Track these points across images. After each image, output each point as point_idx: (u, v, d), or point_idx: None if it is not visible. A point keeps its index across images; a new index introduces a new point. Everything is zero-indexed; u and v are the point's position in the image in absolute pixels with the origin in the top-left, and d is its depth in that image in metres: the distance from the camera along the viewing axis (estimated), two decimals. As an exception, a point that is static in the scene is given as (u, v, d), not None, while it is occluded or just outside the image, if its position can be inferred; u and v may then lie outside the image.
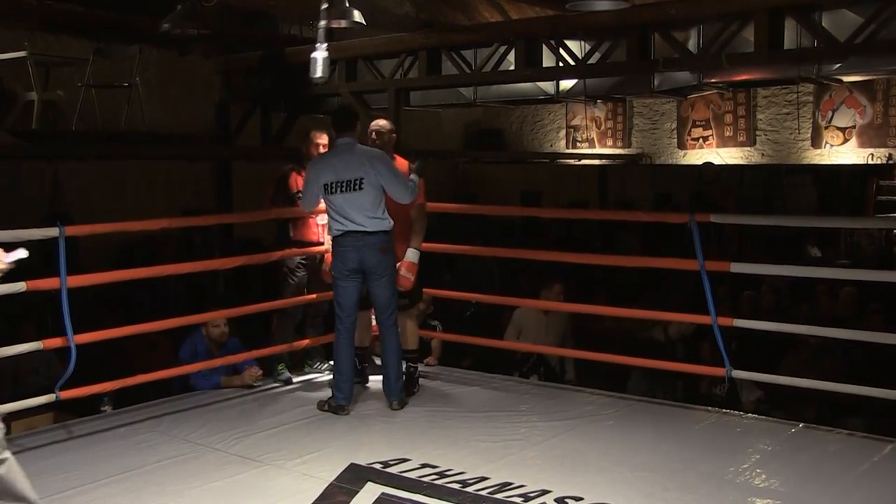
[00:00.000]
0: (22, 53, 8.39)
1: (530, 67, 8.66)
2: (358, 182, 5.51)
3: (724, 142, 14.05)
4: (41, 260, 8.15)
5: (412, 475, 4.50)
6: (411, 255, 5.90)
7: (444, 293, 7.17)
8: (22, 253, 3.38)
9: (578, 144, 15.82)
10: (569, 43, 8.46)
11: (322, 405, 5.70)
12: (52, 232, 5.02)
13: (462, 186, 15.18)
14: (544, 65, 8.71)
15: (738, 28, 7.39)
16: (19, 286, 4.85)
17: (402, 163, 6.01)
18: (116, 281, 6.19)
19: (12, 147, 8.43)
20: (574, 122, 15.83)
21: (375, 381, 6.14)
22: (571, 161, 15.72)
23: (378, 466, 4.62)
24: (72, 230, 5.23)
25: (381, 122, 6.04)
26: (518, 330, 7.53)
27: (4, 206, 9.01)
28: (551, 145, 16.21)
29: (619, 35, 8.02)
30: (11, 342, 5.17)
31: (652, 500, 4.21)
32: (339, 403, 5.62)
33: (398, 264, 5.82)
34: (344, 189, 5.50)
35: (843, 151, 12.97)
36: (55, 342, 5.13)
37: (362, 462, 4.67)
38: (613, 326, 8.08)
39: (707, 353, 6.78)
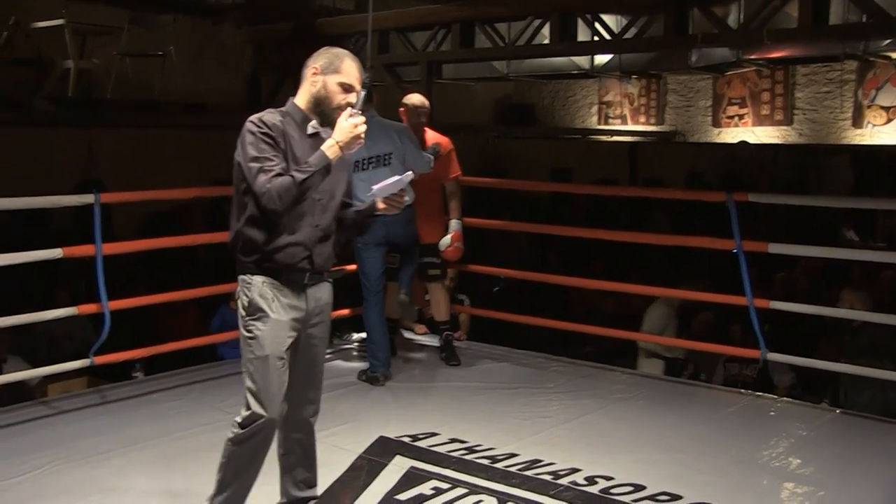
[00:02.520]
0: (59, 22, 8.44)
1: (565, 41, 8.59)
2: (387, 157, 5.53)
3: (760, 120, 13.88)
4: (75, 226, 8.35)
5: (441, 449, 4.51)
6: (457, 225, 6.01)
7: (473, 267, 7.16)
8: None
9: (610, 121, 15.71)
10: (604, 17, 8.41)
11: (360, 375, 5.75)
12: (88, 199, 5.07)
13: (491, 162, 15.12)
14: (579, 39, 8.65)
15: (780, 3, 7.27)
16: (56, 252, 4.92)
17: (438, 137, 6.03)
18: (147, 249, 6.25)
19: (48, 114, 8.51)
20: (607, 98, 15.72)
21: (404, 354, 6.18)
22: (603, 138, 15.62)
23: (407, 440, 4.64)
24: (107, 197, 5.27)
25: (424, 100, 6.04)
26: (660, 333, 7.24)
27: (40, 173, 9.09)
28: (583, 121, 16.11)
29: (657, 9, 7.94)
30: (46, 307, 5.26)
31: (683, 482, 4.19)
32: (374, 374, 5.66)
33: (449, 236, 5.96)
34: (375, 165, 5.48)
35: (885, 131, 12.71)
36: (90, 308, 5.20)
37: (391, 435, 4.69)
38: (642, 306, 8.05)
39: (738, 335, 6.74)
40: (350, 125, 3.21)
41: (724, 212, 5.47)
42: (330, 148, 3.21)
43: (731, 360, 6.62)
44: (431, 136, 6.03)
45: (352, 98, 3.29)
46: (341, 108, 3.27)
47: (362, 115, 3.26)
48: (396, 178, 3.39)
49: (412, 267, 5.90)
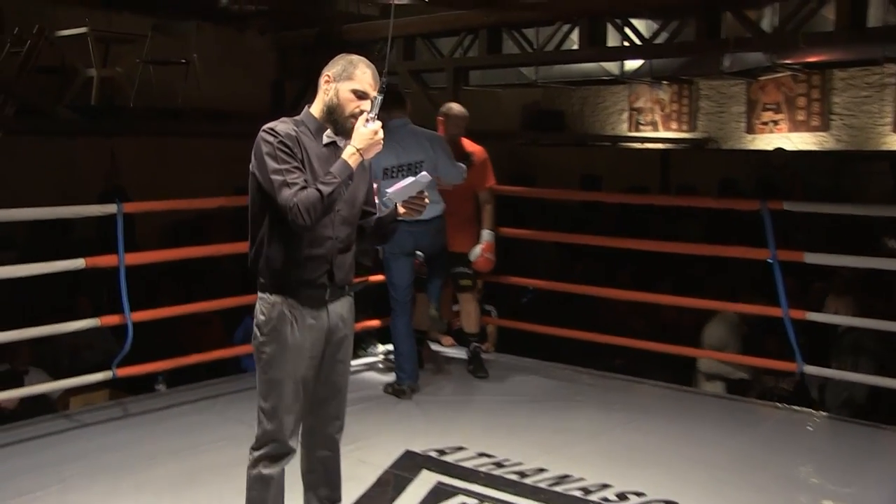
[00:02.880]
0: (82, 30, 8.55)
1: (594, 47, 8.59)
2: (418, 165, 5.51)
3: (795, 126, 13.76)
4: (98, 235, 8.42)
5: (469, 464, 4.50)
6: (489, 236, 6.01)
7: (499, 278, 7.14)
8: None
9: (641, 127, 15.64)
10: (635, 21, 8.38)
11: (386, 388, 5.76)
12: (111, 209, 5.11)
13: (519, 169, 15.10)
14: (609, 44, 8.63)
15: (817, 5, 7.21)
16: (79, 263, 4.96)
17: (473, 147, 6.05)
18: (171, 259, 6.29)
19: (71, 122, 8.60)
20: (637, 105, 15.66)
21: (431, 366, 6.19)
22: (634, 145, 15.56)
23: (434, 454, 4.63)
24: (129, 207, 5.31)
25: (464, 109, 6.08)
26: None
27: (63, 182, 9.18)
28: (613, 128, 16.05)
29: (688, 13, 7.91)
30: (69, 318, 5.30)
31: (719, 499, 4.16)
32: (401, 386, 5.67)
33: (479, 247, 5.98)
34: (405, 173, 5.44)
35: (929, 137, 12.60)
36: (113, 319, 5.24)
37: (418, 449, 4.68)
38: (676, 317, 8.00)
39: (773, 347, 6.67)
40: (369, 131, 3.19)
41: (758, 220, 5.43)
42: (351, 156, 3.18)
43: (767, 372, 6.55)
44: (468, 145, 6.05)
45: (365, 105, 3.25)
46: (355, 116, 3.24)
47: (379, 120, 3.22)
48: (411, 179, 3.33)
49: (441, 278, 5.91)
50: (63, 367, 6.50)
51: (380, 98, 3.25)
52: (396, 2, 6.95)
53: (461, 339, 6.50)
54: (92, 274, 6.83)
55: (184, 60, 9.25)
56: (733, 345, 6.90)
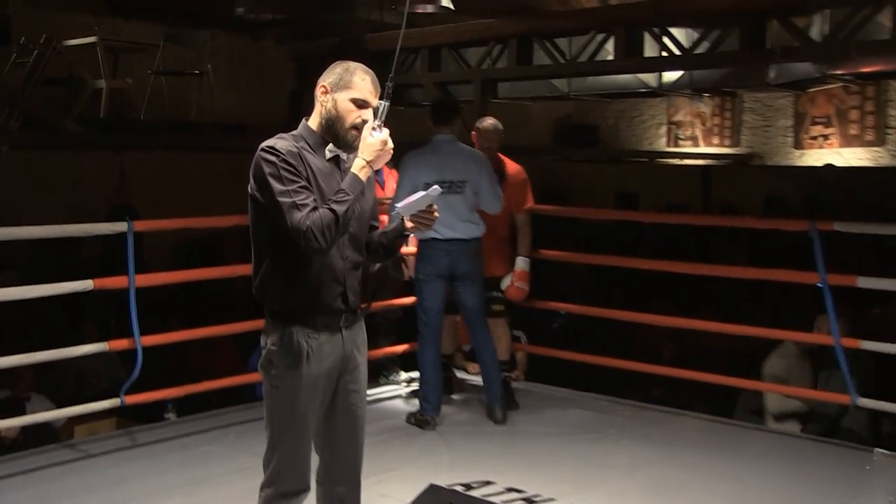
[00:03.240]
0: (91, 39, 8.64)
1: (630, 57, 8.58)
2: (461, 184, 5.55)
3: (847, 141, 13.67)
4: (104, 255, 8.49)
5: (497, 500, 4.48)
6: (522, 263, 5.99)
7: (531, 302, 7.12)
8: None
9: (680, 142, 15.61)
10: (673, 31, 8.36)
11: (409, 418, 5.76)
12: (120, 227, 5.14)
13: (551, 187, 15.10)
14: (646, 54, 8.62)
15: (870, 12, 7.14)
16: (86, 284, 4.99)
17: (512, 166, 6.08)
18: (182, 281, 6.32)
19: (79, 136, 8.67)
20: (676, 118, 15.62)
21: (457, 395, 6.18)
22: (672, 161, 15.52)
23: (460, 489, 4.61)
24: (140, 225, 5.35)
25: (497, 123, 6.08)
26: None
27: (69, 199, 9.27)
28: (650, 143, 16.02)
29: (731, 21, 7.88)
30: (74, 342, 5.33)
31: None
32: (424, 417, 5.67)
33: (511, 275, 5.99)
34: (446, 191, 5.42)
35: None
36: (121, 343, 5.26)
37: (443, 483, 4.67)
38: (717, 344, 7.94)
39: (823, 378, 6.60)
40: (378, 141, 3.15)
41: (807, 242, 5.40)
42: (361, 169, 3.16)
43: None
44: (506, 164, 6.07)
45: (367, 114, 3.21)
46: (357, 128, 3.20)
47: (385, 128, 3.18)
48: (422, 193, 3.28)
49: (478, 306, 5.80)
50: (67, 394, 6.54)
51: (386, 104, 3.20)
52: (419, 10, 6.97)
53: None
54: (98, 296, 6.91)
55: (197, 71, 9.35)
56: (797, 377, 6.77)
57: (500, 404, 5.77)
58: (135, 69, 9.40)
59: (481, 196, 5.61)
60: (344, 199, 3.10)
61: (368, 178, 3.24)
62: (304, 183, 3.12)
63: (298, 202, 3.07)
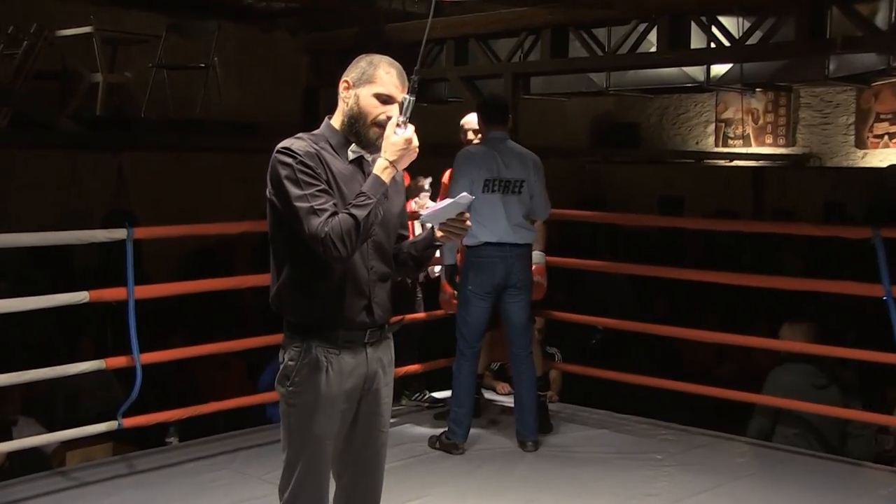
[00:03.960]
0: (87, 29, 8.66)
1: (675, 49, 8.55)
2: (519, 185, 5.61)
3: (918, 139, 13.62)
4: (101, 264, 8.54)
5: (528, 533, 4.47)
6: (539, 258, 5.99)
7: (564, 315, 7.11)
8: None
9: (730, 142, 15.56)
10: (722, 19, 8.33)
11: (433, 442, 5.77)
12: (119, 234, 5.15)
13: (588, 190, 15.10)
14: (692, 46, 8.59)
15: (944, -3, 7.12)
16: (81, 296, 5.00)
17: None
18: (186, 293, 6.35)
19: (74, 135, 8.71)
20: (725, 116, 15.58)
21: (486, 417, 6.17)
22: (721, 162, 15.47)
23: (487, 521, 4.61)
24: (140, 232, 5.36)
25: (470, 116, 6.13)
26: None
27: (64, 203, 9.33)
28: (697, 142, 15.99)
29: (786, 9, 7.85)
30: (68, 359, 5.35)
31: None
32: (453, 441, 5.68)
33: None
34: (504, 190, 5.54)
35: None
36: (119, 361, 5.27)
37: (469, 514, 4.66)
38: (772, 363, 7.89)
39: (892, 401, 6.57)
40: (402, 139, 3.15)
41: (869, 251, 5.36)
42: (384, 170, 3.16)
43: (884, 430, 6.42)
44: None
45: (392, 110, 3.21)
46: (380, 125, 3.21)
47: (411, 125, 3.18)
48: (449, 200, 3.28)
49: (526, 317, 5.79)
50: (59, 417, 6.56)
51: (411, 99, 3.20)
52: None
53: None
54: (95, 309, 6.95)
55: (203, 65, 9.38)
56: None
57: (532, 439, 5.76)
58: (135, 62, 9.44)
59: (535, 200, 5.67)
60: (365, 202, 3.10)
61: (395, 181, 3.25)
62: (322, 186, 3.13)
63: (317, 207, 3.08)
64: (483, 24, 9.55)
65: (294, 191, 3.10)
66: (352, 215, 3.08)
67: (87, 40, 8.71)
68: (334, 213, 3.08)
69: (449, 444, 5.67)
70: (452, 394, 5.81)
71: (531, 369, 5.79)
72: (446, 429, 5.74)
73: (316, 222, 3.06)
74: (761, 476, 5.39)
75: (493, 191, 5.53)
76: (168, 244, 8.77)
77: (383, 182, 3.15)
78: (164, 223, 6.83)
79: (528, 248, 5.72)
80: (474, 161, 5.58)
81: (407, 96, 3.21)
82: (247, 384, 7.22)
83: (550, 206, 5.83)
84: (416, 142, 3.18)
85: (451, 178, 5.70)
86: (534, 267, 5.93)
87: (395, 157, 3.16)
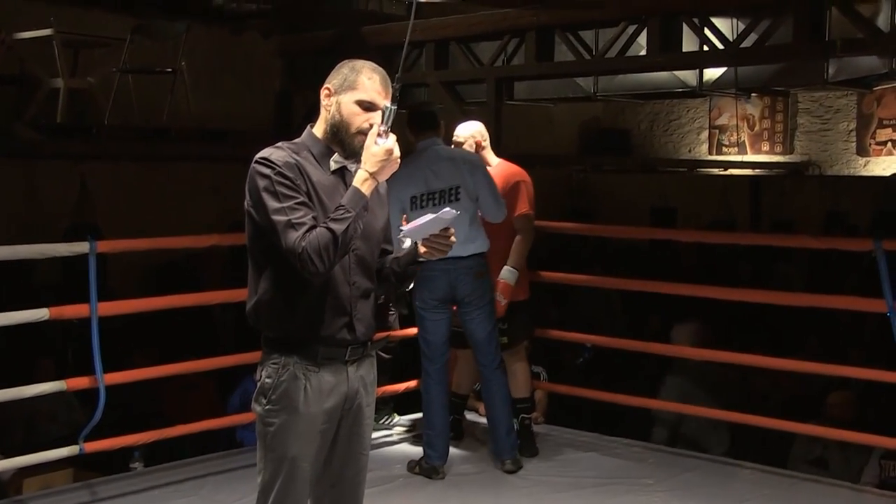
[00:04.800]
0: (47, 32, 8.63)
1: (667, 52, 8.58)
2: (454, 192, 5.56)
3: (922, 146, 13.71)
4: (63, 280, 8.50)
5: (513, 562, 4.47)
6: (507, 274, 5.93)
7: (552, 333, 7.12)
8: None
9: (725, 149, 15.64)
10: (716, 21, 8.37)
11: (413, 466, 5.76)
12: (81, 247, 5.15)
13: (577, 200, 15.13)
14: (684, 49, 8.63)
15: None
16: (41, 313, 4.99)
17: (506, 168, 6.08)
18: (152, 310, 6.33)
19: (33, 144, 8.69)
20: (720, 122, 15.66)
21: (469, 440, 6.17)
22: (715, 170, 15.53)
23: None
24: (104, 246, 5.35)
25: (459, 131, 6.12)
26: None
27: (21, 215, 9.28)
28: (690, 150, 16.06)
29: (783, 10, 7.89)
30: (25, 380, 5.33)
31: None
32: (432, 464, 5.67)
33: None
34: (436, 202, 5.50)
35: None
36: (81, 382, 5.26)
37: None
38: (769, 382, 7.92)
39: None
40: (381, 150, 3.16)
41: (872, 263, 5.38)
42: (364, 182, 3.17)
43: (890, 456, 6.45)
44: (501, 170, 6.09)
45: (375, 118, 3.23)
46: (364, 133, 3.22)
47: (392, 134, 3.19)
48: (430, 216, 3.29)
49: (487, 332, 5.79)
50: (15, 442, 6.52)
51: (392, 108, 3.22)
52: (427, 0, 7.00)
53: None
54: (55, 327, 6.92)
55: (170, 69, 9.37)
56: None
57: (510, 458, 5.76)
58: (98, 66, 9.40)
59: (481, 202, 5.63)
60: (344, 216, 3.12)
61: (378, 193, 3.28)
62: (301, 199, 3.15)
63: (294, 220, 3.10)
64: (464, 26, 9.56)
65: (272, 203, 3.12)
66: (329, 229, 3.09)
67: (47, 43, 8.68)
68: (312, 227, 3.10)
69: (428, 469, 5.67)
70: (424, 417, 5.81)
71: (502, 384, 5.79)
72: (423, 460, 5.73)
73: (293, 236, 3.08)
74: (760, 501, 5.40)
75: (422, 206, 5.46)
76: (133, 258, 8.75)
77: (363, 195, 3.16)
78: (129, 236, 6.82)
79: (477, 259, 5.64)
80: (397, 179, 5.52)
81: (388, 105, 3.22)
82: (216, 406, 7.20)
83: (506, 208, 5.76)
84: (397, 152, 3.20)
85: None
86: (500, 283, 5.92)
87: (375, 169, 3.17)
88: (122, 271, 9.11)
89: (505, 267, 5.94)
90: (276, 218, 3.11)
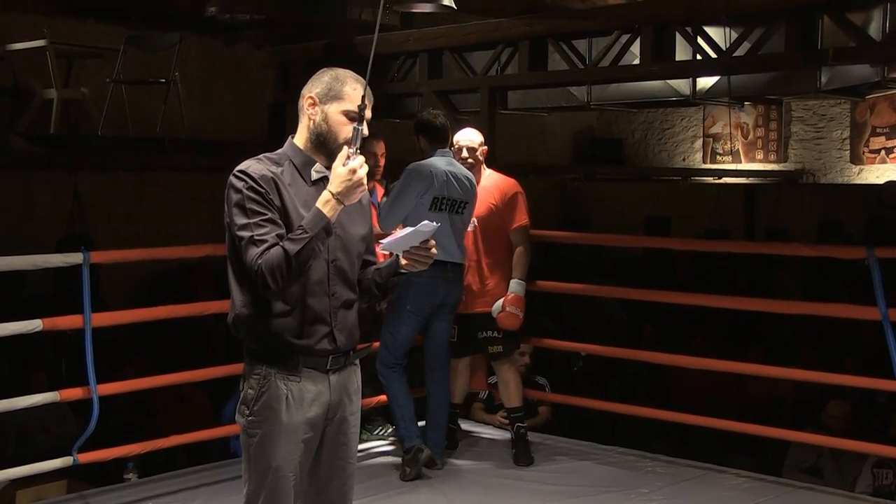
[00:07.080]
0: (40, 42, 8.64)
1: (660, 61, 8.60)
2: (463, 205, 5.76)
3: (914, 154, 13.73)
4: (56, 291, 8.50)
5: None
6: (516, 286, 6.02)
7: (548, 342, 7.13)
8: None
9: (719, 158, 15.65)
10: (709, 30, 8.39)
11: (405, 474, 5.78)
12: (75, 258, 5.15)
13: (571, 210, 15.15)
14: (678, 58, 8.65)
15: (940, 5, 7.18)
16: (34, 325, 4.99)
17: (501, 181, 6.12)
18: (146, 320, 6.33)
19: (26, 154, 8.69)
20: (714, 131, 15.67)
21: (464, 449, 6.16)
22: (710, 179, 15.55)
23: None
24: (97, 256, 5.36)
25: (473, 136, 6.15)
26: None
27: (15, 226, 9.28)
28: (684, 159, 16.07)
29: (775, 19, 7.91)
30: (19, 391, 5.33)
31: None
32: (412, 445, 5.75)
33: (502, 300, 6.01)
34: (450, 209, 5.69)
35: None
36: (75, 393, 5.26)
37: (445, 553, 4.66)
38: (764, 390, 7.95)
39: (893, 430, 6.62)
40: (346, 172, 3.15)
41: (865, 271, 5.40)
42: (326, 203, 3.16)
43: (882, 464, 6.47)
44: (496, 182, 6.12)
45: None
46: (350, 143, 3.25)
47: (360, 154, 3.19)
48: (410, 229, 3.33)
49: (448, 335, 6.03)
50: (9, 453, 6.51)
51: (360, 129, 3.22)
52: (416, 9, 6.99)
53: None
54: (49, 338, 6.92)
55: (163, 80, 9.37)
56: None
57: (438, 447, 5.91)
58: (91, 77, 9.42)
59: (464, 220, 5.88)
60: (300, 237, 3.13)
61: (361, 203, 3.32)
62: (269, 215, 3.17)
63: (256, 237, 3.13)
64: (458, 36, 9.58)
65: (239, 219, 3.17)
66: (284, 249, 3.11)
67: (41, 54, 8.68)
68: (273, 245, 3.12)
69: (415, 453, 5.73)
70: (390, 401, 5.91)
71: (446, 387, 6.00)
72: (404, 451, 5.81)
73: (253, 253, 3.12)
74: (754, 509, 5.42)
75: (440, 209, 5.63)
76: (127, 269, 8.74)
77: (324, 215, 3.16)
78: (122, 247, 6.82)
79: (463, 267, 5.90)
80: (422, 177, 5.68)
81: (356, 126, 3.23)
82: (210, 416, 7.20)
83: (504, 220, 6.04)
84: (361, 174, 3.18)
85: (396, 190, 5.71)
86: (509, 296, 5.99)
87: (338, 190, 3.17)
88: (115, 282, 9.10)
89: (513, 280, 6.04)
90: (241, 234, 3.15)
